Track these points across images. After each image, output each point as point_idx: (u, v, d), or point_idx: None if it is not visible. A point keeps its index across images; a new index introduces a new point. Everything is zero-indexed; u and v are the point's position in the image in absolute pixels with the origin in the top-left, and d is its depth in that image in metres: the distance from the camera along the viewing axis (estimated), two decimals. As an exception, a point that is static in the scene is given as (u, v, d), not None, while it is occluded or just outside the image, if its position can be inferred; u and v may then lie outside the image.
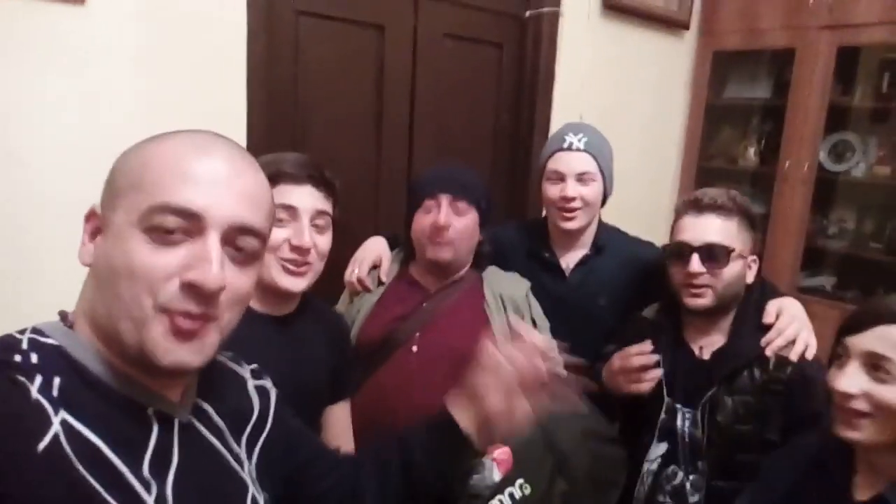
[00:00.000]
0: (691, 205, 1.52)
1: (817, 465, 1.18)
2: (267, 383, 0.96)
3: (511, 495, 1.35)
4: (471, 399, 0.97)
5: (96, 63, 1.63)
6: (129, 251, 0.68)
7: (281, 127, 1.99)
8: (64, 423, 0.64)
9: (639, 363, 1.49)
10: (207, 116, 1.71)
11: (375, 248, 1.68)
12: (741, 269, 1.50)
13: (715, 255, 1.46)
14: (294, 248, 1.21)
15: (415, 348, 1.55)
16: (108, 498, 0.63)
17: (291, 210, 1.23)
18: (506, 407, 0.94)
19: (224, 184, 0.71)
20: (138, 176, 0.70)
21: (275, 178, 1.20)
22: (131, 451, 0.68)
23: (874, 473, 1.09)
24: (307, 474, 0.96)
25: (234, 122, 1.85)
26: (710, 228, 1.48)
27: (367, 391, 1.48)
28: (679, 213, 1.55)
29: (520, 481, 1.37)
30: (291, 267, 1.22)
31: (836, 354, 1.12)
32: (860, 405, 1.04)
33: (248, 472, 0.83)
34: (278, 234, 1.20)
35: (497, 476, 1.34)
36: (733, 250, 1.47)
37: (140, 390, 0.72)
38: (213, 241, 0.69)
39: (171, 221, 0.68)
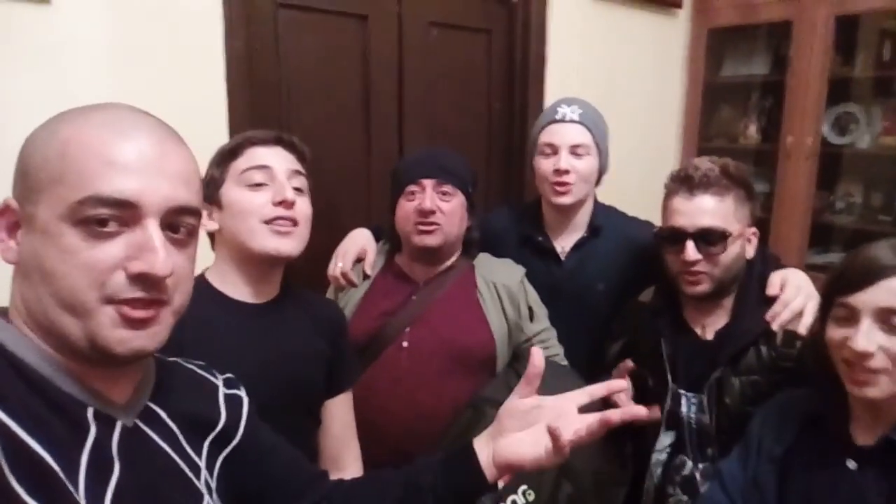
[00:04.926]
0: (682, 183, 1.41)
1: (813, 418, 1.18)
2: (240, 392, 0.91)
3: (513, 503, 1.28)
4: (495, 437, 0.92)
5: (65, 61, 1.58)
6: (63, 249, 0.64)
7: (265, 123, 1.93)
8: None
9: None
10: (184, 113, 1.62)
11: (359, 241, 1.62)
12: (740, 249, 1.42)
13: (711, 240, 1.37)
14: (278, 204, 1.16)
15: (405, 344, 1.49)
16: (30, 500, 0.59)
17: (267, 170, 1.17)
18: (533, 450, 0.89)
19: (154, 167, 0.67)
20: (58, 167, 0.65)
21: (243, 145, 1.19)
22: (66, 452, 0.63)
23: (873, 418, 1.09)
24: (280, 491, 0.90)
25: (214, 118, 1.81)
26: (705, 211, 1.38)
27: (357, 390, 1.42)
28: (669, 192, 1.45)
29: (523, 488, 1.29)
30: (279, 228, 1.16)
31: (836, 314, 1.09)
32: (877, 363, 1.03)
33: (204, 480, 0.78)
34: (258, 198, 1.16)
35: (498, 483, 1.27)
36: (731, 234, 1.38)
37: (82, 388, 0.68)
38: (153, 228, 0.66)
39: (104, 213, 0.64)
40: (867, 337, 1.03)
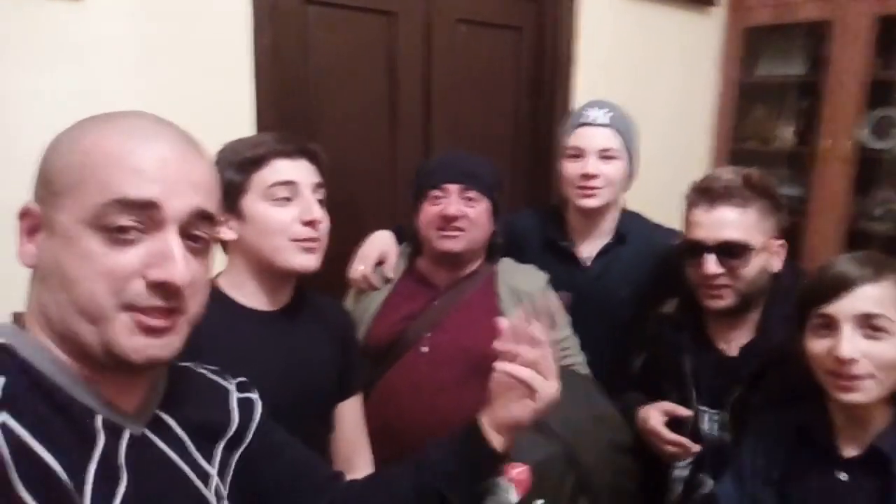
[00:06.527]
0: (702, 194, 1.37)
1: (801, 434, 1.20)
2: (253, 395, 0.91)
3: None
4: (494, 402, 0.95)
5: (96, 59, 1.59)
6: (82, 254, 0.64)
7: (292, 121, 1.94)
8: (3, 425, 0.60)
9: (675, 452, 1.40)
10: (212, 110, 1.67)
11: (381, 243, 1.60)
12: (764, 262, 1.37)
13: (733, 253, 1.33)
14: (307, 224, 1.16)
15: (425, 349, 1.48)
16: None
17: (293, 185, 1.17)
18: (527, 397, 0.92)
19: (175, 173, 0.68)
20: (80, 172, 0.66)
21: (266, 157, 1.17)
22: (74, 461, 0.64)
23: (856, 428, 1.12)
24: (294, 492, 0.90)
25: (242, 117, 1.81)
26: (726, 223, 1.33)
27: (376, 394, 1.42)
28: (690, 204, 1.41)
29: (539, 502, 1.28)
30: (306, 244, 1.16)
31: (814, 325, 1.13)
32: (862, 368, 1.06)
33: (213, 488, 0.78)
34: (284, 215, 1.16)
35: (514, 498, 1.23)
36: (753, 248, 1.33)
37: (93, 396, 0.68)
38: (172, 236, 0.67)
39: (126, 219, 0.65)
40: (850, 343, 1.06)
